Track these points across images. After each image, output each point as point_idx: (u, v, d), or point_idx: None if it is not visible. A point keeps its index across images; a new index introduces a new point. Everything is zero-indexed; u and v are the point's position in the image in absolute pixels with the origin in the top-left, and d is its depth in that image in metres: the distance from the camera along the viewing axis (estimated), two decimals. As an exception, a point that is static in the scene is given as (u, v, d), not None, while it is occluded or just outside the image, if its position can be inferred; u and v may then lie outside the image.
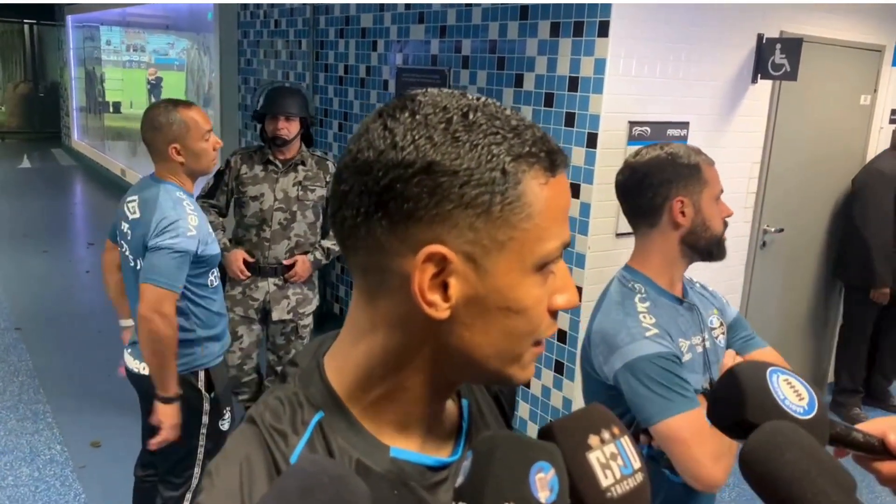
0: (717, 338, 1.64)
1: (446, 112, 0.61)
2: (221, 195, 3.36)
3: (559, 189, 0.64)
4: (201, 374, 2.38)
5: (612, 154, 3.00)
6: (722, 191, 1.56)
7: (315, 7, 4.95)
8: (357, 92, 4.63)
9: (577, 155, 3.07)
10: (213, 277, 2.39)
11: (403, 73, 4.15)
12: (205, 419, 2.39)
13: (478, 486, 0.55)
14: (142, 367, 2.34)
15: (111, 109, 10.92)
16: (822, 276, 4.23)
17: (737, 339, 1.70)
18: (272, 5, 5.50)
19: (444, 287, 0.62)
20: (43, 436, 3.61)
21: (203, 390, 2.38)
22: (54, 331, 4.95)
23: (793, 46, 3.29)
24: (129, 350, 2.41)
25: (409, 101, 0.63)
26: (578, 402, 3.21)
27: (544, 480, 0.56)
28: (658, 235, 1.55)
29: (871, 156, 4.12)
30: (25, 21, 14.60)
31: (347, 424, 0.68)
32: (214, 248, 2.31)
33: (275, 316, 3.35)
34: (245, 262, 3.29)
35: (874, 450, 0.75)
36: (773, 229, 3.81)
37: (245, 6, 5.89)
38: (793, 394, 0.70)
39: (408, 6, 4.08)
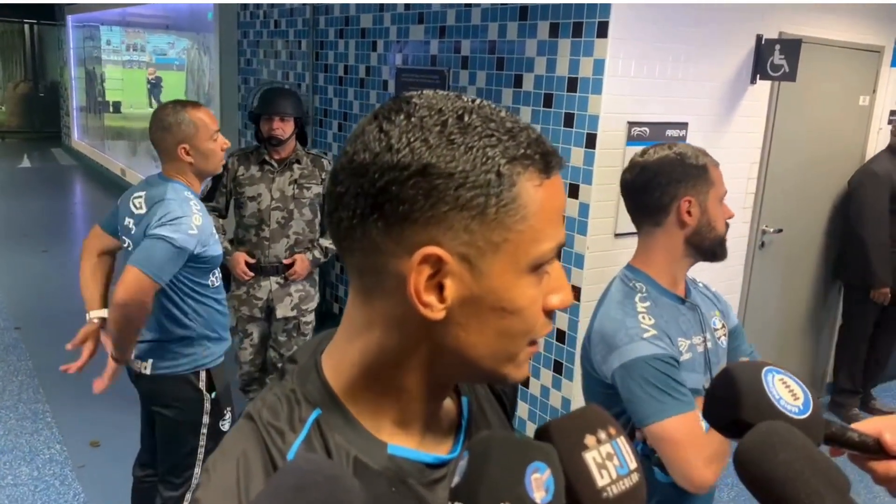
0: (719, 338, 1.65)
1: (441, 114, 0.62)
2: (220, 197, 3.39)
3: (554, 190, 0.64)
4: (202, 374, 2.38)
5: (610, 155, 3.00)
6: (726, 192, 1.58)
7: (315, 7, 4.95)
8: (357, 92, 4.63)
9: (576, 155, 3.07)
10: (215, 278, 2.39)
11: (403, 73, 4.15)
12: (205, 419, 2.39)
13: (473, 487, 0.55)
14: (142, 367, 2.34)
15: (111, 109, 10.92)
16: (821, 277, 4.22)
17: (729, 350, 1.71)
18: (272, 5, 5.49)
19: (440, 288, 0.62)
20: (42, 435, 3.62)
21: (204, 390, 2.38)
22: (54, 330, 4.94)
23: (792, 47, 3.28)
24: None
25: (404, 103, 0.63)
26: (577, 402, 3.21)
27: (540, 481, 0.56)
28: (662, 234, 1.55)
29: (869, 156, 4.11)
30: (25, 21, 14.59)
31: (345, 421, 0.68)
32: (216, 249, 2.32)
33: (279, 313, 3.38)
34: (247, 262, 3.31)
35: (869, 449, 0.75)
36: (772, 230, 3.81)
37: (245, 6, 5.89)
38: (788, 393, 0.71)
39: (407, 6, 4.08)
